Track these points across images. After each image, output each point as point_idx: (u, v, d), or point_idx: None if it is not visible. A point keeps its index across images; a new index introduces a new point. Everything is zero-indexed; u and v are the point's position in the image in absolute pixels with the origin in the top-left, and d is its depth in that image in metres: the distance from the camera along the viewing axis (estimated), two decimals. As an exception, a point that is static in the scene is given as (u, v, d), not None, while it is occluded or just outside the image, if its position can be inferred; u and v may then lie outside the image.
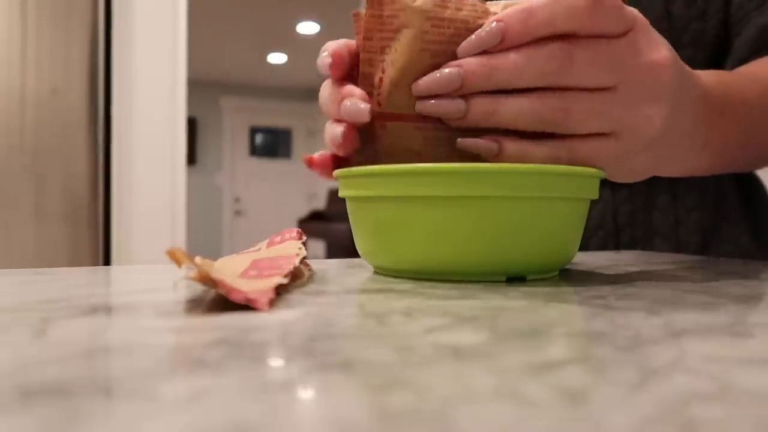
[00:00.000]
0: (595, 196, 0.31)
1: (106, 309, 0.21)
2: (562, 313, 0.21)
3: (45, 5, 1.66)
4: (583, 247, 0.57)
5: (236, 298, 0.20)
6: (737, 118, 0.38)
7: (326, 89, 0.32)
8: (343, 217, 4.88)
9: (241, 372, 0.13)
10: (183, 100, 1.91)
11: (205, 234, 6.25)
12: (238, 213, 6.44)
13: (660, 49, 0.28)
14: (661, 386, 0.13)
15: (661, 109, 0.29)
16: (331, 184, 6.28)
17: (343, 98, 0.30)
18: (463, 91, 0.28)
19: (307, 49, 5.14)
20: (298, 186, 6.73)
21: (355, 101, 0.29)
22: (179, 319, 0.19)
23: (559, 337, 0.17)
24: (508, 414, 0.11)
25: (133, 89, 1.83)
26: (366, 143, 0.32)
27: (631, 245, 0.56)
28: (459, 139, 0.30)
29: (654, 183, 0.55)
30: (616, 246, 0.56)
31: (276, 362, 0.14)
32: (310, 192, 6.74)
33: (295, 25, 4.56)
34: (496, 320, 0.19)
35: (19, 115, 1.64)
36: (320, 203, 6.57)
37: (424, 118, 0.30)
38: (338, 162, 0.34)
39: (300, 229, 0.33)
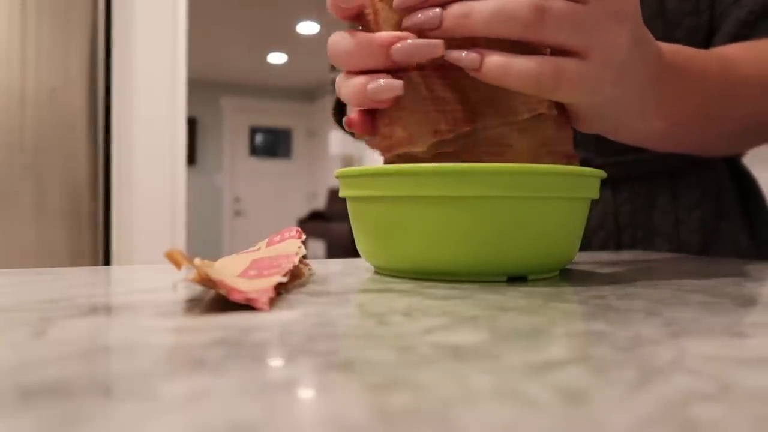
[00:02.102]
0: (596, 195, 0.31)
1: (106, 309, 0.21)
2: (562, 313, 0.21)
3: (45, 5, 1.66)
4: (585, 247, 0.57)
5: (236, 298, 0.20)
6: (694, 89, 0.38)
7: (342, 37, 0.30)
8: (343, 217, 4.88)
9: (241, 372, 0.13)
10: (183, 100, 1.91)
11: (205, 234, 6.25)
12: (238, 213, 6.44)
13: None
14: (661, 386, 0.13)
15: (627, 31, 0.29)
16: (332, 183, 6.27)
17: (375, 44, 0.29)
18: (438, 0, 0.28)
19: (307, 49, 5.14)
20: (298, 186, 6.73)
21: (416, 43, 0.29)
22: (179, 319, 0.19)
23: (559, 337, 0.17)
24: (508, 414, 0.11)
25: (133, 89, 1.83)
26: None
27: (632, 245, 0.56)
28: (446, 51, 0.29)
29: (655, 183, 0.55)
30: (618, 246, 0.56)
31: (276, 362, 0.14)
32: (310, 192, 6.74)
33: (295, 25, 4.56)
34: (496, 320, 0.19)
35: (19, 114, 1.64)
36: (320, 203, 6.57)
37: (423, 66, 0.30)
38: (370, 117, 0.33)
39: (299, 228, 0.33)
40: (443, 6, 0.28)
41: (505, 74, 0.28)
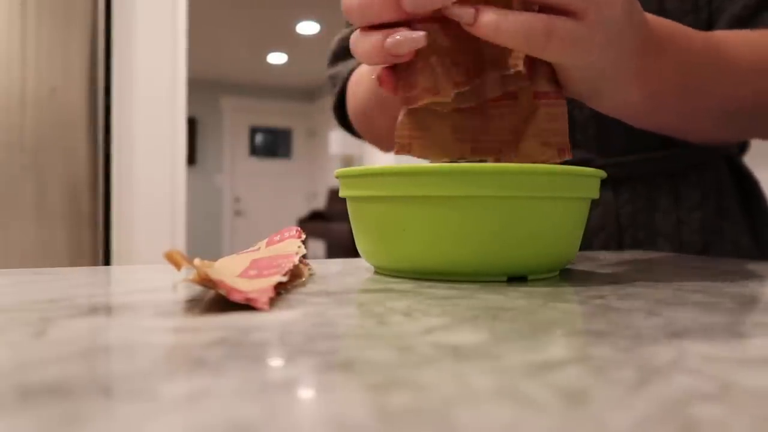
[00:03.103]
0: (596, 195, 0.31)
1: (106, 309, 0.21)
2: (562, 313, 0.21)
3: (45, 5, 1.66)
4: (586, 248, 0.57)
5: (236, 298, 0.20)
6: (676, 60, 0.38)
7: None
8: (343, 217, 4.87)
9: (241, 372, 0.13)
10: (183, 100, 1.91)
11: (205, 234, 6.25)
12: (238, 213, 6.44)
13: None
14: (661, 386, 0.13)
15: None
16: (332, 183, 6.28)
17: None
18: None
19: (307, 49, 5.14)
20: (298, 186, 6.73)
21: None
22: (179, 319, 0.19)
23: (559, 337, 0.17)
24: (508, 414, 0.11)
25: (133, 89, 1.84)
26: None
27: (633, 246, 0.56)
28: (448, 6, 0.30)
29: (656, 184, 0.55)
30: (619, 247, 0.56)
31: (276, 362, 0.14)
32: (310, 192, 6.74)
33: (295, 25, 4.56)
34: (496, 320, 0.19)
35: (19, 114, 1.64)
36: (320, 203, 6.57)
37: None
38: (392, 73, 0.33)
39: (299, 228, 0.33)
40: None
41: (496, 30, 0.28)
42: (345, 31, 0.60)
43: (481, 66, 0.32)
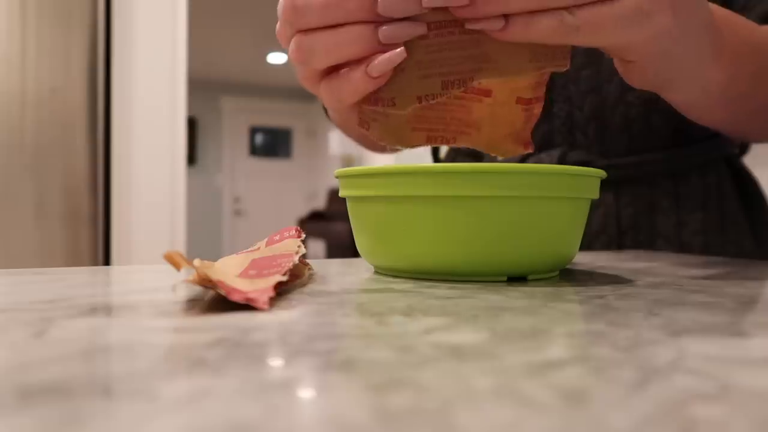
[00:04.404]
0: (596, 195, 0.31)
1: (106, 309, 0.21)
2: (562, 313, 0.21)
3: (45, 5, 1.66)
4: (587, 250, 0.57)
5: (236, 298, 0.20)
6: (745, 41, 0.36)
7: None
8: (343, 217, 4.87)
9: (241, 372, 0.13)
10: (183, 100, 1.91)
11: (205, 234, 6.25)
12: (238, 213, 6.44)
13: None
14: (661, 386, 0.13)
15: None
16: (332, 183, 6.27)
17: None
18: None
19: (307, 49, 5.13)
20: (298, 186, 6.72)
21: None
22: (179, 319, 0.19)
23: (559, 337, 0.17)
24: (508, 414, 0.11)
25: (133, 89, 1.83)
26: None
27: (634, 248, 0.56)
28: (467, 21, 0.28)
29: (657, 185, 0.55)
30: (620, 249, 0.56)
31: (276, 362, 0.14)
32: (310, 192, 6.74)
33: (295, 25, 4.56)
34: (496, 320, 0.19)
35: (19, 114, 1.64)
36: (320, 203, 6.57)
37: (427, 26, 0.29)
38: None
39: (299, 227, 0.33)
40: None
41: (531, 29, 0.27)
42: None
43: (475, 68, 0.30)
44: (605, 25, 0.27)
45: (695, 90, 0.35)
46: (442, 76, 0.29)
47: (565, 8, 0.27)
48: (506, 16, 0.27)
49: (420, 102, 0.30)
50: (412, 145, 0.33)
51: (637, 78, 0.32)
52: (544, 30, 0.27)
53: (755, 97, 0.40)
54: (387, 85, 0.30)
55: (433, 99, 0.30)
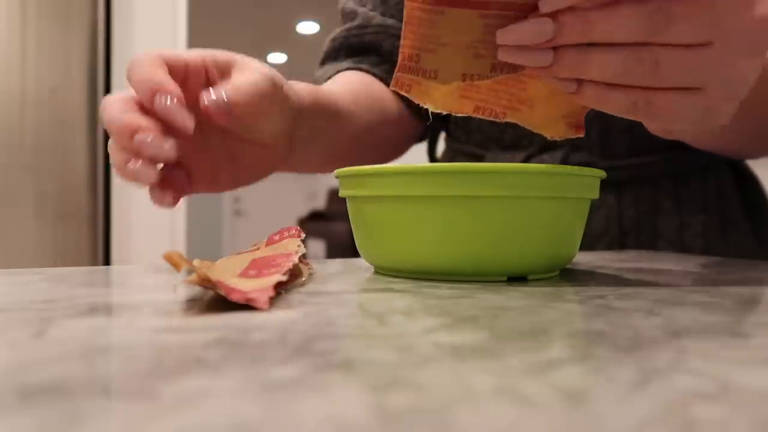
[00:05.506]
0: (596, 195, 0.31)
1: (106, 309, 0.21)
2: (562, 313, 0.21)
3: (45, 5, 1.66)
4: (589, 251, 0.57)
5: (236, 298, 0.20)
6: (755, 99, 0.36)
7: (117, 103, 0.30)
8: (343, 217, 4.87)
9: (241, 372, 0.13)
10: (183, 100, 1.91)
11: (205, 234, 6.25)
12: (238, 213, 6.44)
13: (764, 3, 0.26)
14: (661, 386, 0.13)
15: (757, 65, 0.27)
16: (332, 183, 6.27)
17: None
18: (552, 44, 0.27)
19: (307, 49, 5.14)
20: (298, 186, 6.72)
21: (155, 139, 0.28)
22: (179, 319, 0.19)
23: (559, 337, 0.17)
24: (508, 414, 0.11)
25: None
26: (420, 26, 0.29)
27: (636, 249, 0.56)
28: (548, 71, 0.28)
29: (659, 186, 0.55)
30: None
31: (276, 362, 0.14)
32: (310, 192, 6.74)
33: (295, 25, 4.56)
34: (496, 320, 0.19)
35: (19, 114, 1.64)
36: (320, 203, 6.57)
37: (487, 4, 0.28)
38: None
39: (298, 227, 0.33)
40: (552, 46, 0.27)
41: (601, 103, 0.27)
42: (337, 31, 0.60)
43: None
44: (674, 114, 0.27)
45: (698, 134, 0.36)
46: (494, 58, 0.29)
47: (640, 88, 0.27)
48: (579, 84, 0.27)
49: (464, 80, 0.29)
50: (458, 113, 0.31)
51: (659, 131, 0.32)
52: (613, 105, 0.27)
53: (750, 128, 0.40)
54: (432, 55, 0.29)
55: (479, 79, 0.29)
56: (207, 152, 0.37)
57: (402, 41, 0.29)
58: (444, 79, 0.29)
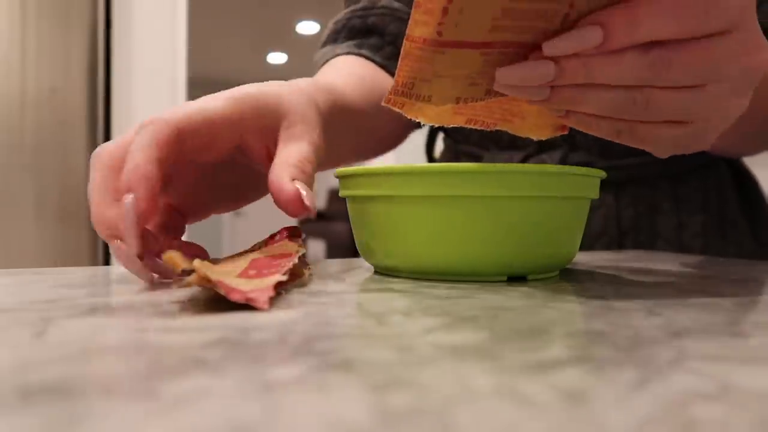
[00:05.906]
0: (596, 195, 0.31)
1: (106, 309, 0.21)
2: (562, 313, 0.21)
3: (45, 5, 1.66)
4: (587, 251, 0.57)
5: (236, 298, 0.20)
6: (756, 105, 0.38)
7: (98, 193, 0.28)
8: (343, 217, 4.88)
9: (241, 372, 0.13)
10: (183, 100, 1.91)
11: (205, 234, 6.25)
12: (237, 213, 6.44)
13: (759, 53, 0.27)
14: (661, 386, 0.13)
15: (744, 103, 0.28)
16: (332, 183, 6.27)
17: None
18: (552, 84, 0.27)
19: (307, 49, 5.14)
20: (298, 186, 6.72)
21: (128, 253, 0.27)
22: (179, 319, 0.19)
23: (559, 337, 0.17)
24: (508, 414, 0.11)
25: (133, 89, 1.83)
26: (419, 62, 0.28)
27: (635, 249, 0.56)
28: (546, 99, 0.28)
29: (657, 186, 0.55)
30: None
31: (276, 362, 0.14)
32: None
33: (295, 25, 4.56)
34: (496, 320, 0.19)
35: (19, 114, 1.64)
36: (320, 203, 6.56)
37: (489, 44, 0.28)
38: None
39: (298, 227, 0.33)
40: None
41: (586, 127, 0.28)
42: (341, 13, 0.59)
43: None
44: (657, 141, 0.28)
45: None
46: (489, 85, 0.29)
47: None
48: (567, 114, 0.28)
49: (458, 102, 0.30)
50: (449, 125, 0.32)
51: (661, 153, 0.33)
52: (598, 131, 0.28)
53: (750, 127, 0.41)
54: (427, 84, 0.29)
55: (473, 101, 0.30)
56: (212, 192, 0.36)
57: (397, 71, 0.29)
58: (438, 102, 0.30)
